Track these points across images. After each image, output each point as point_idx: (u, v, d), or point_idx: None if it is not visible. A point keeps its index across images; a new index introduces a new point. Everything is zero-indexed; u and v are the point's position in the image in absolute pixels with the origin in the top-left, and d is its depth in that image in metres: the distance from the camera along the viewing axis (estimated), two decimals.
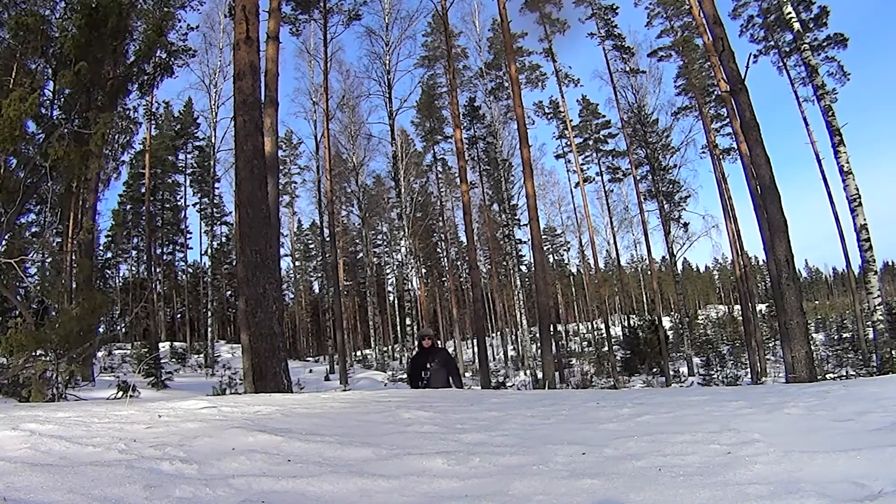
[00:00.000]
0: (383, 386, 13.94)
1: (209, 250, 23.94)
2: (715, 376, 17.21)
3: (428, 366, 5.89)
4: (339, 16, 19.56)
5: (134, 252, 28.58)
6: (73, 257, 12.58)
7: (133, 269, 29.41)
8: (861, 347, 16.19)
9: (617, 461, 1.09)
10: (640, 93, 20.45)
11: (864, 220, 12.94)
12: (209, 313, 22.38)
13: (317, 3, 19.01)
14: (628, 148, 21.30)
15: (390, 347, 31.19)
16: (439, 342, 8.71)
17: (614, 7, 21.35)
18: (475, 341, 17.12)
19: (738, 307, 25.05)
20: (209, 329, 21.75)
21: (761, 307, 25.13)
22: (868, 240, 12.89)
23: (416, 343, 6.55)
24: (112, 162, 14.66)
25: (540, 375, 13.70)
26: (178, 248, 28.76)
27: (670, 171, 20.26)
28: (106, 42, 8.91)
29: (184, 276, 29.70)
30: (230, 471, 1.08)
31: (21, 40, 8.24)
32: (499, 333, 32.44)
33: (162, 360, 13.58)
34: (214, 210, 24.75)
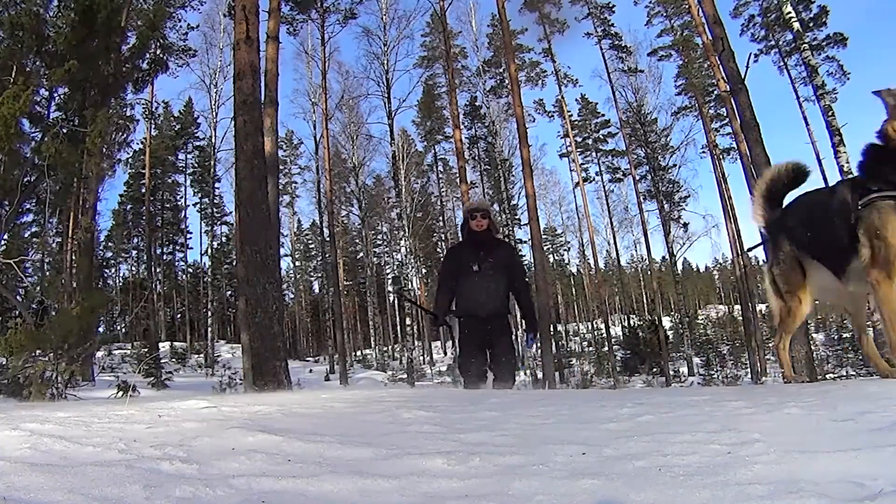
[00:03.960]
0: (383, 386, 13.94)
1: (209, 250, 23.96)
2: (715, 376, 17.23)
3: (476, 267, 3.63)
4: (336, 15, 19.60)
5: (134, 252, 28.56)
6: (73, 257, 12.58)
7: (133, 269, 29.39)
8: (861, 348, 16.19)
9: (617, 461, 1.09)
10: (639, 92, 20.48)
11: None
12: (209, 313, 22.39)
13: (314, 3, 19.02)
14: (627, 148, 21.31)
15: (390, 347, 31.18)
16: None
17: (610, 6, 21.37)
18: None
19: (738, 307, 25.07)
20: (209, 329, 21.77)
21: (761, 307, 25.13)
22: None
23: (461, 225, 3.98)
24: (108, 160, 14.67)
25: (540, 375, 13.71)
26: (178, 248, 28.74)
27: (670, 170, 20.29)
28: (99, 39, 8.93)
29: (184, 276, 29.68)
30: (230, 471, 1.08)
31: (17, 40, 8.26)
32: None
33: (162, 360, 13.59)
34: (214, 210, 24.76)
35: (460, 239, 4.26)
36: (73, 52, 7.99)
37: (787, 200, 2.53)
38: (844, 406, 1.46)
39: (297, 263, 35.05)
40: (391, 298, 32.78)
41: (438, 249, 31.04)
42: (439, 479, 1.02)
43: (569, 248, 35.58)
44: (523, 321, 4.15)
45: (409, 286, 21.64)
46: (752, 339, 18.60)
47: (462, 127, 19.61)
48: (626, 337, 21.67)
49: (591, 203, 24.35)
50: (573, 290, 39.79)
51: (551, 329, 15.98)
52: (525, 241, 25.23)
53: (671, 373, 18.80)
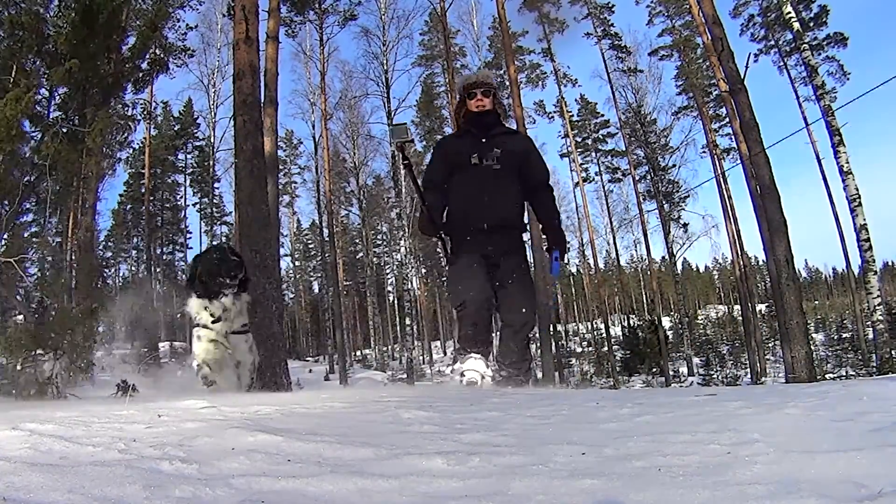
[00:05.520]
0: (383, 386, 13.93)
1: None
2: (715, 376, 17.25)
3: (476, 159, 2.74)
4: (334, 16, 19.64)
5: (134, 252, 28.54)
6: (73, 257, 12.58)
7: (133, 268, 29.36)
8: (861, 347, 16.22)
9: (617, 461, 1.09)
10: (639, 93, 20.50)
11: (864, 220, 12.97)
12: None
13: (312, 5, 19.04)
14: (627, 148, 21.33)
15: (390, 347, 31.18)
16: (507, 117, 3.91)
17: (610, 6, 21.40)
18: None
19: (737, 307, 25.10)
20: None
21: (761, 307, 25.15)
22: (868, 240, 12.92)
23: (456, 108, 3.11)
24: (108, 160, 14.66)
25: (540, 375, 13.71)
26: (178, 247, 28.72)
27: (670, 171, 20.30)
28: (99, 39, 8.94)
29: (184, 276, 29.65)
30: (230, 470, 1.08)
31: (17, 39, 8.26)
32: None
33: (162, 360, 13.57)
34: (214, 210, 24.76)
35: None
36: (73, 52, 8.00)
37: None
38: (844, 406, 1.46)
39: (297, 263, 35.05)
40: (391, 298, 32.77)
41: (439, 250, 31.06)
42: (439, 479, 1.02)
43: (568, 249, 35.47)
44: (544, 235, 3.09)
45: (409, 286, 21.54)
46: (751, 339, 18.60)
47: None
48: (625, 337, 21.68)
49: (590, 203, 24.38)
50: (573, 290, 39.78)
51: (551, 329, 15.99)
52: (525, 242, 25.21)
53: (671, 373, 18.80)
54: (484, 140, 2.80)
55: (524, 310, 2.87)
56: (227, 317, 3.04)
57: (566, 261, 3.08)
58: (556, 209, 3.10)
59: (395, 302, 30.57)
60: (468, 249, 2.85)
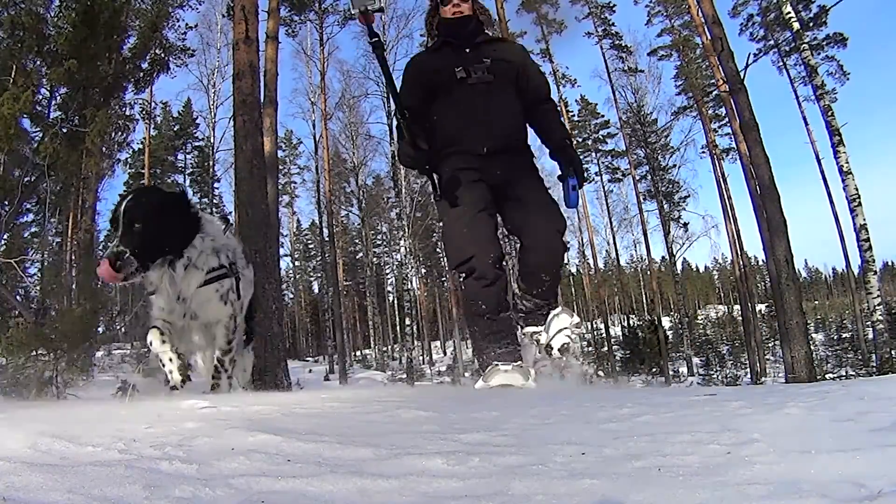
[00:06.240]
0: (383, 386, 13.93)
1: None
2: (714, 376, 17.26)
3: (463, 72, 2.27)
4: (334, 16, 19.66)
5: None
6: (73, 257, 12.58)
7: None
8: (861, 347, 16.22)
9: (617, 461, 1.09)
10: (639, 92, 20.51)
11: (864, 220, 12.98)
12: None
13: (311, 5, 19.05)
14: (627, 148, 21.32)
15: (390, 347, 31.19)
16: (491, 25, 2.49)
17: (611, 5, 21.40)
18: None
19: (737, 307, 25.10)
20: None
21: (761, 307, 25.14)
22: (868, 240, 12.92)
23: (425, 20, 2.70)
24: (108, 160, 14.65)
25: None
26: None
27: (670, 171, 20.31)
28: (100, 39, 8.96)
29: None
30: (230, 470, 1.08)
31: (17, 39, 8.27)
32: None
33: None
34: (214, 210, 24.75)
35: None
36: (74, 52, 8.01)
37: None
38: (844, 406, 1.46)
39: (297, 263, 35.05)
40: (391, 298, 32.77)
41: (438, 250, 31.08)
42: (439, 479, 1.02)
43: (568, 248, 35.44)
44: (555, 159, 2.40)
45: (409, 286, 21.52)
46: (751, 339, 18.60)
47: None
48: (625, 337, 21.68)
49: (590, 203, 24.35)
50: (573, 290, 39.78)
51: None
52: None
53: (671, 373, 18.81)
54: (468, 50, 2.32)
55: (553, 227, 2.39)
56: (153, 288, 2.35)
57: (580, 192, 2.58)
58: (564, 127, 2.57)
59: (395, 302, 30.58)
60: (468, 181, 2.29)
